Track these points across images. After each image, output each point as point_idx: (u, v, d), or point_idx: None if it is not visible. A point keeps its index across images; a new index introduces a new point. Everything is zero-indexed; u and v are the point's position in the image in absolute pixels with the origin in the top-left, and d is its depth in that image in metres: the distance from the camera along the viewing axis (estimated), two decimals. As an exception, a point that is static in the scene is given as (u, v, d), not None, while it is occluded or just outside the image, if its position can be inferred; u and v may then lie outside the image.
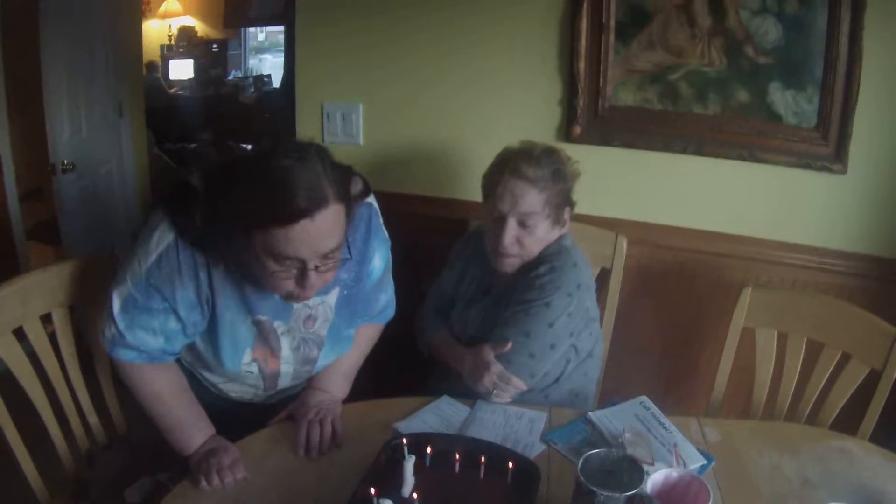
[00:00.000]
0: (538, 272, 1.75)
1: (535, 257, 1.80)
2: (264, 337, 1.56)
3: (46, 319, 1.68)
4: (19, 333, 1.61)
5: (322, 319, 1.60)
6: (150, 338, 1.47)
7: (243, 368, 1.59)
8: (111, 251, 1.82)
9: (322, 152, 1.33)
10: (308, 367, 1.65)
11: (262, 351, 1.58)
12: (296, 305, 1.53)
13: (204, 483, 1.38)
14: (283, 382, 1.67)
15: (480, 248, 1.91)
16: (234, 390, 1.72)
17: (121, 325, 1.45)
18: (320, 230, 1.27)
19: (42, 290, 1.65)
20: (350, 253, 1.44)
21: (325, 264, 1.33)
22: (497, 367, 1.68)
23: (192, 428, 1.52)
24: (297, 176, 1.24)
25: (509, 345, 1.69)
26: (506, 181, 1.74)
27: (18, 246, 3.48)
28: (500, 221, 1.76)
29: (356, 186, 1.49)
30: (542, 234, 1.78)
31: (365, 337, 1.77)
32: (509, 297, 1.80)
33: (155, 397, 1.53)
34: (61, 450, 1.70)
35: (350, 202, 1.36)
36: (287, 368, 1.63)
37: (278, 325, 1.55)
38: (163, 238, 1.40)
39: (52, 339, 1.70)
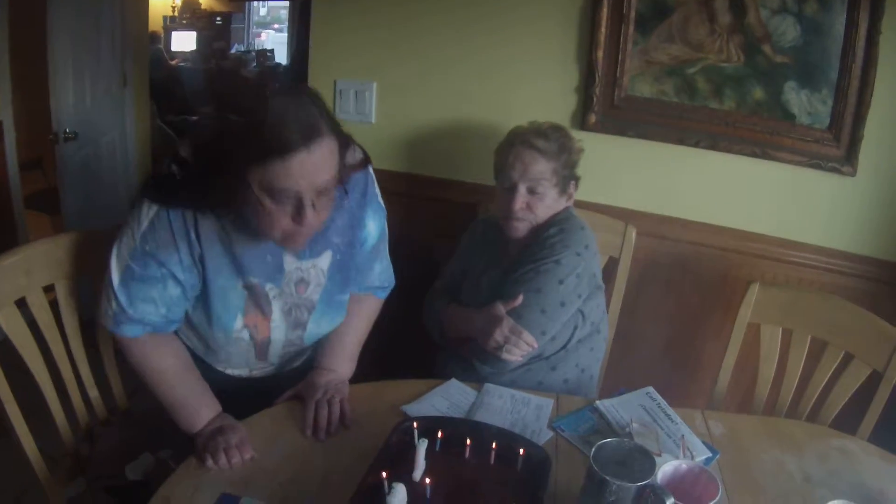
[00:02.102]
0: (548, 233, 1.83)
1: (544, 223, 1.87)
2: (255, 302, 1.55)
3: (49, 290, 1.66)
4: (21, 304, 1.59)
5: (314, 284, 1.59)
6: (152, 309, 1.47)
7: (235, 335, 1.58)
8: (117, 226, 1.81)
9: (312, 92, 1.37)
10: (299, 331, 1.64)
11: (253, 316, 1.57)
12: (287, 268, 1.53)
13: (210, 462, 1.38)
14: (274, 350, 1.66)
15: (488, 233, 1.98)
16: (229, 366, 1.71)
17: (122, 299, 1.45)
18: (316, 162, 1.29)
19: (47, 260, 1.64)
20: (346, 193, 1.50)
21: (321, 201, 1.34)
22: (509, 321, 1.71)
23: (198, 405, 1.51)
24: (291, 111, 1.28)
25: (520, 298, 1.74)
26: (517, 151, 1.85)
27: (17, 215, 3.47)
28: (512, 189, 1.86)
29: (356, 154, 1.54)
30: (550, 202, 1.86)
31: (365, 313, 1.77)
32: (518, 262, 1.85)
33: (160, 375, 1.52)
34: (61, 424, 1.69)
35: (343, 138, 1.39)
36: (278, 335, 1.62)
37: (270, 289, 1.55)
38: (152, 205, 1.42)
39: (55, 310, 1.68)
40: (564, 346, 1.85)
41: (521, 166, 1.83)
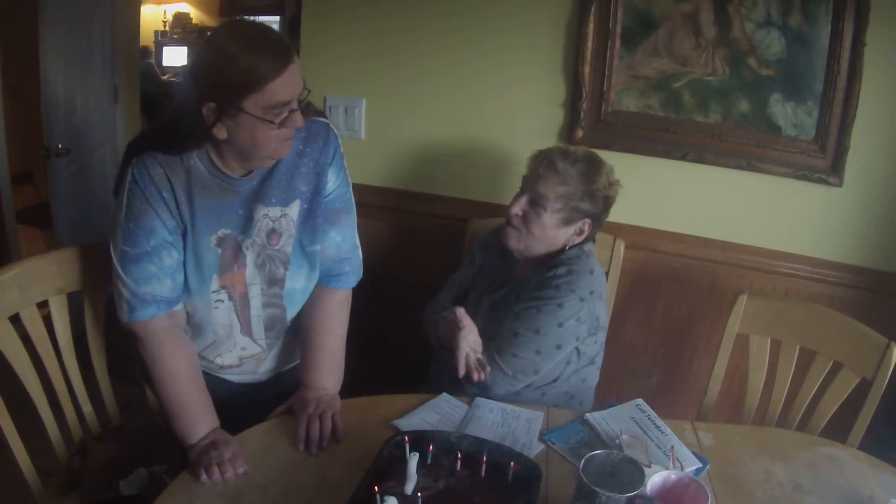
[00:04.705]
0: (556, 272, 1.80)
1: (551, 256, 1.86)
2: (229, 257, 1.59)
3: (43, 306, 1.67)
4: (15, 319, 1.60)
5: (286, 235, 1.62)
6: (156, 284, 1.52)
7: (213, 297, 1.62)
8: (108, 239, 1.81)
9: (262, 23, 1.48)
10: (276, 288, 1.66)
11: (228, 277, 1.61)
12: (256, 217, 1.57)
13: (204, 476, 1.39)
14: (255, 310, 1.67)
15: (500, 245, 1.95)
16: (219, 352, 1.72)
17: (129, 283, 1.51)
18: (297, 71, 1.41)
19: (40, 276, 1.64)
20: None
21: (299, 105, 1.45)
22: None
23: (198, 416, 1.53)
24: (263, 37, 1.39)
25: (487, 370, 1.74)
26: (536, 165, 1.85)
27: (9, 229, 3.47)
28: (518, 195, 1.86)
29: (309, 107, 1.61)
30: (548, 225, 1.82)
31: (339, 315, 1.76)
32: (520, 292, 1.84)
33: (170, 377, 1.55)
34: (55, 440, 1.69)
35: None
36: (255, 290, 1.65)
37: (242, 240, 1.59)
38: (124, 182, 1.49)
39: (49, 326, 1.68)
40: (555, 380, 1.86)
41: (533, 178, 1.83)
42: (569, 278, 1.79)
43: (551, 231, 1.83)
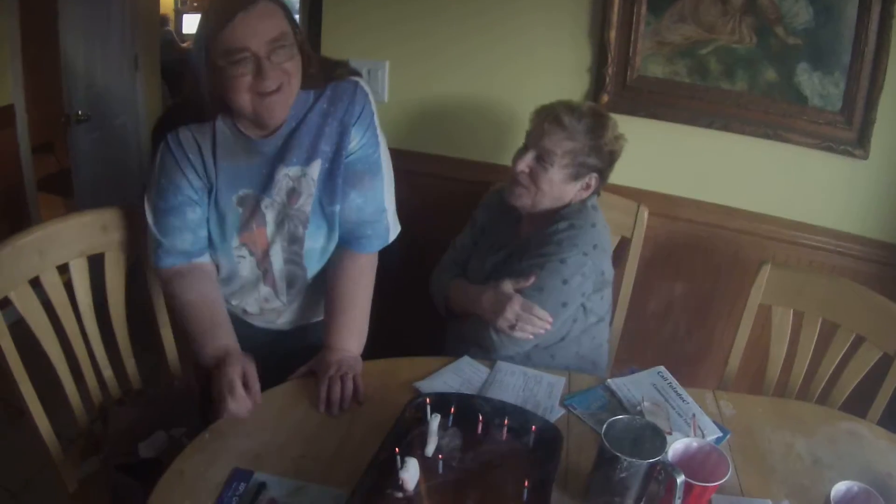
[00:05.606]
0: (557, 228, 1.79)
1: (554, 212, 1.84)
2: (249, 216, 1.64)
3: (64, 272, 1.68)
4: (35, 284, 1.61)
5: (306, 195, 1.63)
6: (179, 237, 1.62)
7: (235, 254, 1.69)
8: (129, 204, 1.81)
9: None
10: (296, 246, 1.70)
11: (247, 235, 1.67)
12: (277, 177, 1.59)
13: (230, 401, 1.43)
14: (277, 265, 1.72)
15: (503, 204, 1.94)
16: (243, 300, 1.79)
17: (156, 233, 1.62)
18: (256, 20, 1.38)
19: (60, 240, 1.65)
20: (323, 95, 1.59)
21: (277, 54, 1.41)
22: (519, 299, 1.71)
23: (214, 331, 1.60)
24: None
25: (532, 279, 1.73)
26: (541, 120, 1.82)
27: (30, 197, 3.49)
28: (522, 151, 1.84)
29: (344, 67, 1.65)
30: (556, 180, 1.80)
31: (364, 280, 1.75)
32: (524, 250, 1.83)
33: (188, 305, 1.63)
34: (75, 404, 1.70)
35: (289, 12, 1.47)
36: (276, 248, 1.69)
37: (262, 199, 1.63)
38: (158, 146, 1.59)
39: (69, 290, 1.69)
40: (563, 339, 1.85)
41: (539, 134, 1.79)
42: (571, 233, 1.77)
43: (559, 186, 1.81)
